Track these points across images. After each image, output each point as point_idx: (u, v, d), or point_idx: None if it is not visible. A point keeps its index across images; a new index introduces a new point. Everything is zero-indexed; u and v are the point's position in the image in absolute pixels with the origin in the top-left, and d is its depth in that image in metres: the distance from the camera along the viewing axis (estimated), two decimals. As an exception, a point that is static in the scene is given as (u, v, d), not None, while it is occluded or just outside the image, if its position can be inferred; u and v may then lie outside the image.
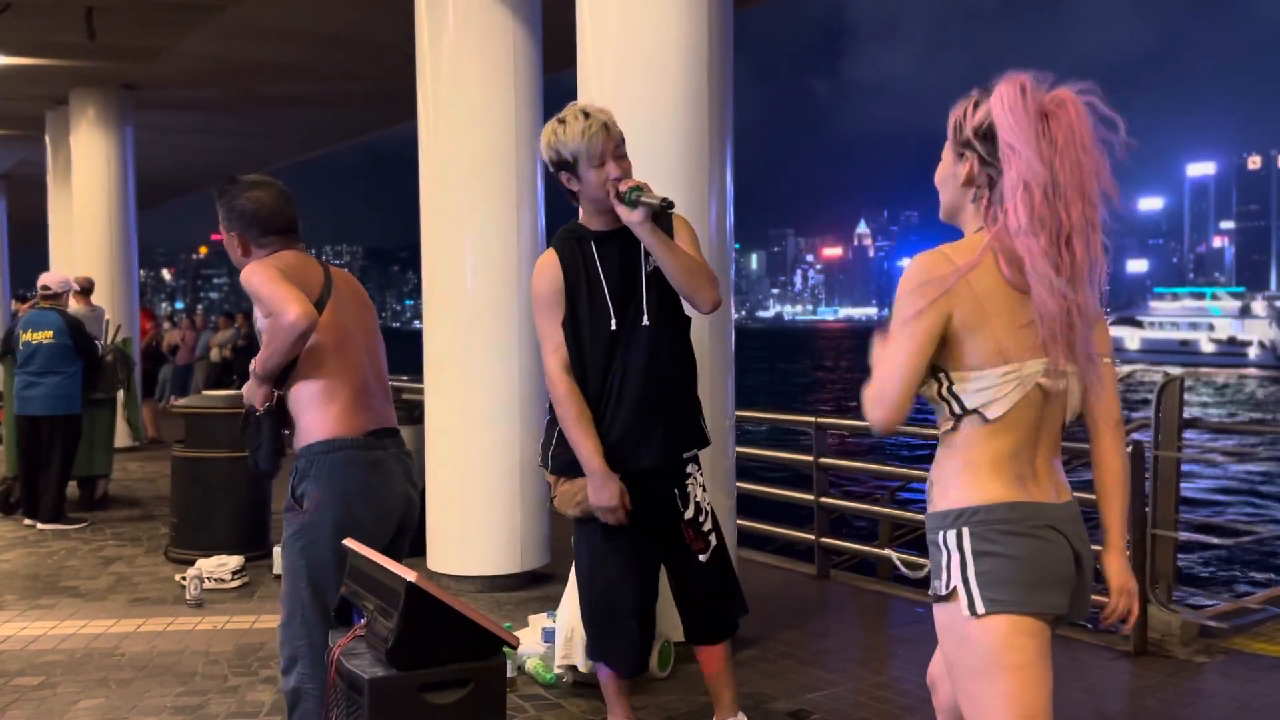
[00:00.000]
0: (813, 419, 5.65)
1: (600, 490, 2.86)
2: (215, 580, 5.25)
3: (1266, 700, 3.71)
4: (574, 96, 4.34)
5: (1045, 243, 1.74)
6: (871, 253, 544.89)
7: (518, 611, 4.77)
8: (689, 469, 3.01)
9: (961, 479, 1.82)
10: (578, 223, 3.04)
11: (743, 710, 3.22)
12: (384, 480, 2.72)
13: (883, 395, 1.79)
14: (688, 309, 3.03)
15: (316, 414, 2.68)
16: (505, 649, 2.07)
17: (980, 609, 1.76)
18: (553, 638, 3.92)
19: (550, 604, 4.81)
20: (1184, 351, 56.94)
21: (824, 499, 5.57)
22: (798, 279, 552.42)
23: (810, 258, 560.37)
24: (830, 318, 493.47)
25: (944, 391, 1.82)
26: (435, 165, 5.30)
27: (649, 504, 2.96)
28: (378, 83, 10.33)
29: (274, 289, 2.54)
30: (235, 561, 5.39)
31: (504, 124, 5.20)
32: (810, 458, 5.57)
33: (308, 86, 10.95)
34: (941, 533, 1.82)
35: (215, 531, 5.77)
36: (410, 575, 1.96)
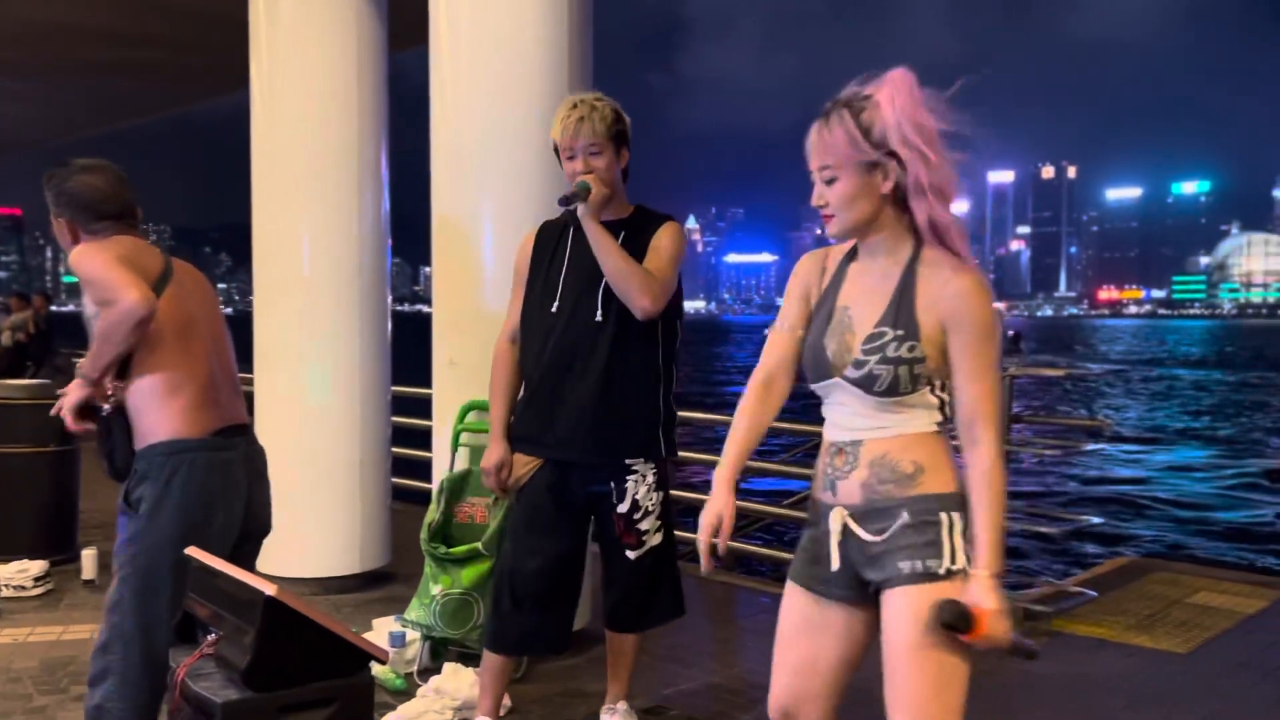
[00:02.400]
0: (662, 412, 5.63)
1: (489, 452, 3.05)
2: (15, 588, 4.80)
3: (1089, 681, 3.94)
4: (426, 76, 4.17)
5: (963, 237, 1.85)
6: (700, 248, 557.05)
7: (358, 615, 4.55)
8: (635, 466, 2.97)
9: (951, 467, 1.90)
10: (575, 211, 3.07)
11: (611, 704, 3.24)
12: (230, 484, 2.55)
13: (999, 426, 1.87)
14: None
15: (158, 412, 2.49)
16: (389, 670, 1.93)
17: None
18: (401, 642, 3.75)
19: (394, 605, 4.61)
20: None
21: (672, 491, 5.56)
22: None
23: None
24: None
25: (938, 391, 1.90)
26: (270, 144, 4.98)
27: (576, 496, 2.96)
28: (200, 53, 9.68)
29: (107, 272, 2.32)
30: (38, 567, 4.94)
31: (346, 104, 4.94)
32: (659, 451, 5.55)
33: (119, 53, 10.15)
34: (945, 513, 1.86)
35: (14, 534, 5.26)
36: (269, 588, 1.79)
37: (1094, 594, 4.73)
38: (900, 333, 1.85)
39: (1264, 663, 4.14)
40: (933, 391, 1.89)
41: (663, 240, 2.95)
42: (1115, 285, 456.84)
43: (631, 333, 2.90)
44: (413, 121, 5.43)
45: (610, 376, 2.90)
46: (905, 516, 1.86)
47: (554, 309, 2.92)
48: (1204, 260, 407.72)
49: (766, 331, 2.11)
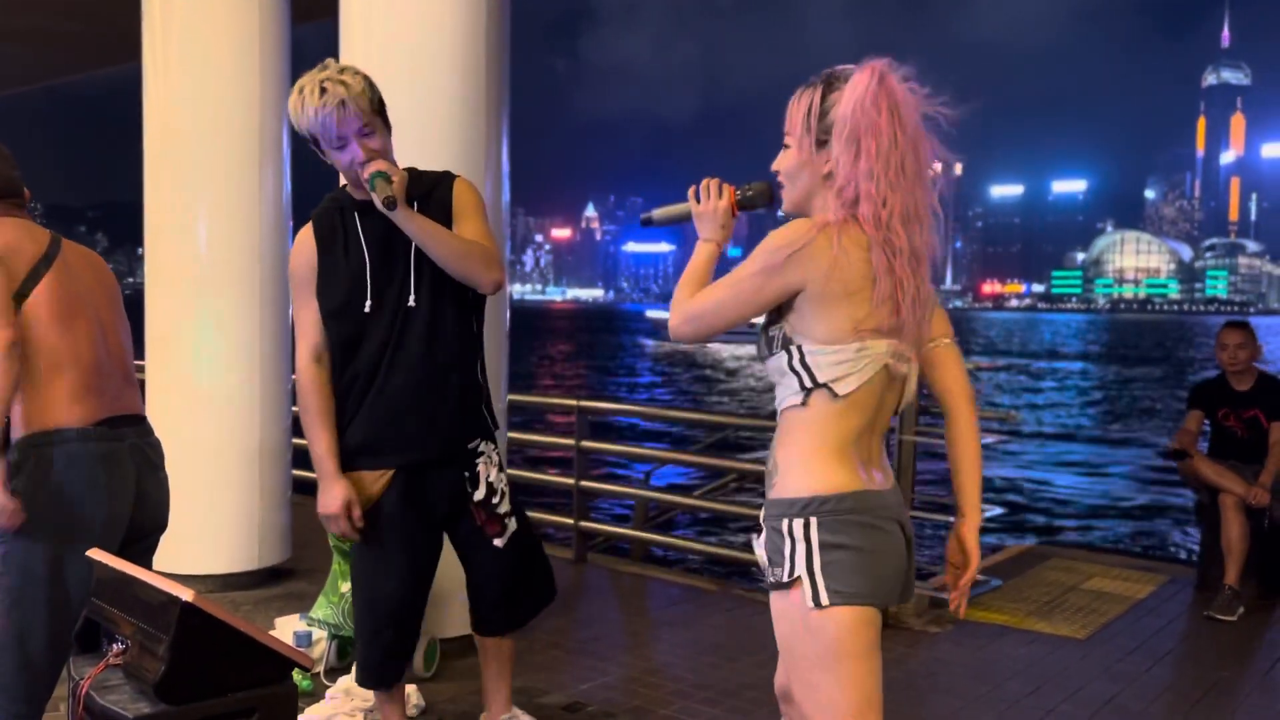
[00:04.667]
0: (575, 402, 5.58)
1: (324, 494, 2.65)
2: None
3: (995, 666, 4.04)
4: (334, 48, 4.00)
5: (894, 230, 1.76)
6: (599, 236, 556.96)
7: (258, 613, 4.38)
8: (481, 448, 2.76)
9: (810, 465, 1.80)
10: (344, 189, 2.71)
11: (517, 706, 3.10)
12: (116, 477, 2.40)
13: (700, 318, 1.85)
14: None
15: (34, 400, 2.33)
16: (295, 672, 1.83)
17: (824, 600, 1.75)
18: (307, 641, 3.61)
19: (295, 603, 4.46)
20: None
21: (584, 482, 5.52)
22: (528, 258, 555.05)
23: (539, 238, 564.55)
24: (559, 298, 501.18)
25: (795, 363, 1.80)
26: (164, 120, 4.73)
27: (433, 500, 2.72)
28: (86, 21, 9.17)
29: None
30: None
31: (247, 79, 4.72)
32: (572, 440, 5.51)
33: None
34: (787, 520, 1.79)
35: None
36: (186, 593, 1.67)
37: (998, 581, 4.86)
38: None
39: (1155, 647, 4.31)
40: (790, 362, 1.80)
41: (466, 201, 2.68)
42: (998, 279, 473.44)
43: (446, 310, 2.64)
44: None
45: (441, 360, 2.64)
46: (765, 521, 1.85)
47: (367, 309, 2.59)
48: (1080, 256, 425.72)
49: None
